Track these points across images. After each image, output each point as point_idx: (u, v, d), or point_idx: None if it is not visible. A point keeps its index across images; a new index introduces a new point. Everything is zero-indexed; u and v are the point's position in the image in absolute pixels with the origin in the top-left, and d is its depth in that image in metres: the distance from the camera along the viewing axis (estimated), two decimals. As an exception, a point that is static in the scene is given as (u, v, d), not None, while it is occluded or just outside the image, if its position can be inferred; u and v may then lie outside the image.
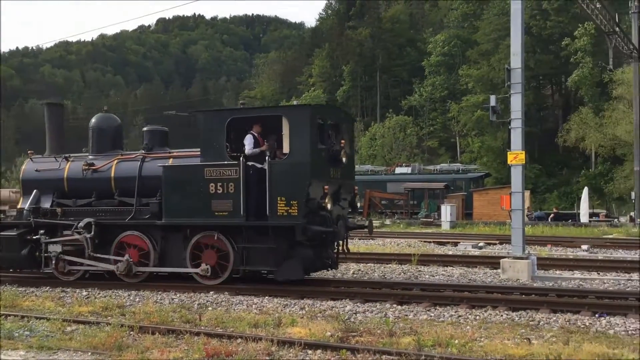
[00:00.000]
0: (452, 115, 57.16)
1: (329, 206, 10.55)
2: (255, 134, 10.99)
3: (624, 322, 8.08)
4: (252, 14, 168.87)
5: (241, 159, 10.64)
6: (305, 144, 10.48)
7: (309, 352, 6.97)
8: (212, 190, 10.71)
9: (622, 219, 33.84)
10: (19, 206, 12.97)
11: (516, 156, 12.90)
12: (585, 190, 35.25)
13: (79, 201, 12.43)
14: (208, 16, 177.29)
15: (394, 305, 9.53)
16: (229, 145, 11.20)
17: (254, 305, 9.73)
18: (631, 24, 29.74)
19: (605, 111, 41.17)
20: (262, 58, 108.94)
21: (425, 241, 20.38)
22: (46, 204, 12.45)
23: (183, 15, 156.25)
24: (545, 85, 61.92)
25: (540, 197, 50.42)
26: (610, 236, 22.93)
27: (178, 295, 10.61)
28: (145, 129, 13.24)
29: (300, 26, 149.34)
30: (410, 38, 71.37)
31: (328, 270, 12.28)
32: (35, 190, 12.71)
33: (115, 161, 12.33)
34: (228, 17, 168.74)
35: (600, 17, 20.52)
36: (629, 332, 7.66)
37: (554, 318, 8.47)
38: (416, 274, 12.97)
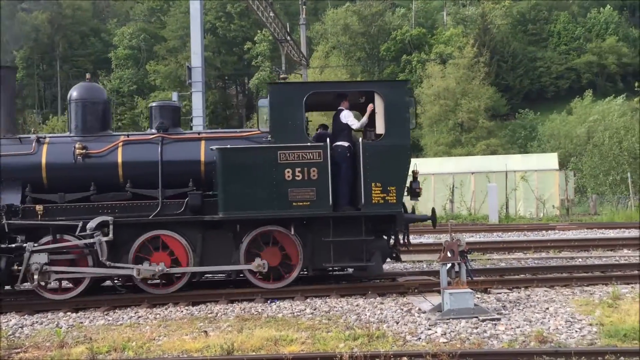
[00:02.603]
0: (140, 111, 56.08)
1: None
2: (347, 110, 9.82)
3: (291, 305, 8.89)
4: None
5: (327, 140, 9.34)
6: (404, 123, 9.49)
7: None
8: (288, 176, 9.13)
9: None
10: None
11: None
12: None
13: (68, 195, 9.53)
14: None
15: (68, 314, 8.87)
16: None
17: None
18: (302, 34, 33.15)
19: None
20: None
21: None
22: (12, 201, 9.33)
23: None
24: (230, 85, 65.20)
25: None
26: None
27: None
28: (154, 104, 10.51)
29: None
30: (94, 28, 67.74)
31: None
32: None
33: (121, 144, 9.72)
34: None
35: (274, 25, 22.37)
36: (295, 313, 8.44)
37: (231, 308, 8.87)
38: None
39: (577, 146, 36.22)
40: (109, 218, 9.25)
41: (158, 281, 9.64)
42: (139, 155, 9.82)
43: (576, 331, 6.98)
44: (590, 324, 7.22)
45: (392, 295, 9.37)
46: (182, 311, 8.81)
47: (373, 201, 9.29)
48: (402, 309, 8.36)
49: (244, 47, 56.50)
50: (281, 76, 10.61)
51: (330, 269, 10.08)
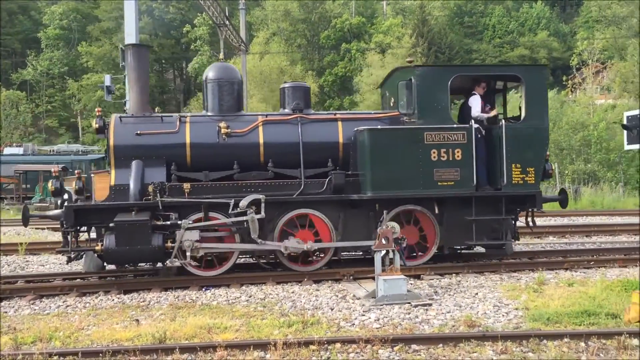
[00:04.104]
0: (71, 93, 54.08)
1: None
2: (479, 95, 10.23)
3: (226, 293, 8.81)
4: None
5: (471, 122, 9.69)
6: (543, 106, 9.96)
7: None
8: (433, 157, 9.41)
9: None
10: (112, 183, 9.51)
11: (131, 138, 12.81)
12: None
13: (212, 174, 9.69)
14: None
15: (-8, 303, 8.50)
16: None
17: None
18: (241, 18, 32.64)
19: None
20: None
21: (38, 228, 18.78)
22: (156, 178, 9.38)
23: None
24: (167, 69, 63.67)
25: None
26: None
27: None
28: (286, 85, 10.61)
29: None
30: (23, 5, 64.56)
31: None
32: (136, 161, 9.52)
33: (261, 124, 9.83)
34: None
35: (212, 9, 21.91)
36: (230, 301, 8.37)
37: (165, 296, 8.72)
38: (23, 265, 11.84)
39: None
40: (260, 196, 9.33)
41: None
42: (279, 135, 10.01)
43: (503, 315, 7.23)
44: (517, 308, 7.49)
45: (327, 282, 9.43)
46: (113, 299, 8.59)
47: (513, 181, 9.70)
48: (337, 296, 8.43)
49: (182, 30, 55.23)
50: (407, 59, 10.84)
51: (459, 248, 10.61)
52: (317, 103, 50.76)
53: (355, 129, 9.93)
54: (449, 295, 8.31)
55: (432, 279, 9.42)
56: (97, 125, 9.82)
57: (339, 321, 7.13)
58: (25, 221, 9.57)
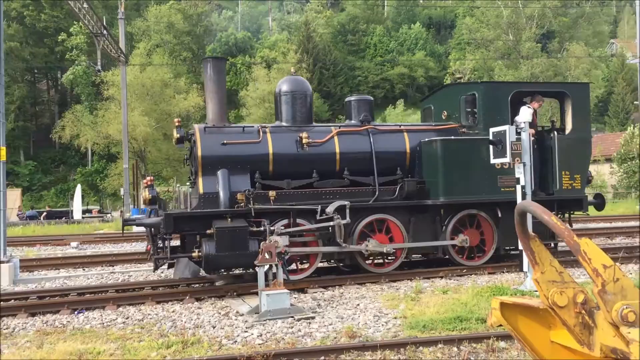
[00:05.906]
0: None
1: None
2: (534, 109, 10.70)
3: (101, 315, 8.35)
4: None
5: (529, 134, 9.98)
6: (587, 120, 11.03)
7: None
8: (497, 165, 10.06)
9: (115, 214, 35.64)
10: (200, 191, 9.80)
11: (-4, 152, 11.91)
12: (78, 188, 35.72)
13: (293, 182, 10.23)
14: None
15: None
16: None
17: None
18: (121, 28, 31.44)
19: (99, 110, 42.52)
20: None
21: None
22: (242, 187, 9.70)
23: None
24: (40, 80, 60.01)
25: (37, 195, 48.66)
26: (101, 231, 23.73)
27: None
28: (352, 98, 11.39)
29: None
30: None
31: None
32: (222, 170, 9.85)
33: (336, 134, 10.50)
34: None
35: (88, 17, 20.91)
36: (105, 324, 7.93)
37: (32, 322, 8.11)
38: None
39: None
40: (346, 202, 9.69)
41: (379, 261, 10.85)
42: (353, 145, 10.64)
43: (383, 325, 7.41)
44: (395, 317, 7.71)
45: (210, 299, 9.23)
46: (-29, 329, 7.85)
47: (563, 187, 10.67)
48: (219, 313, 8.25)
49: (57, 38, 52.34)
50: (456, 77, 11.24)
51: (508, 249, 11.27)
52: (204, 116, 49.97)
53: (426, 139, 10.76)
54: (332, 307, 8.39)
55: (316, 292, 9.49)
56: (177, 135, 10.20)
57: (221, 339, 6.96)
58: (123, 227, 9.93)
